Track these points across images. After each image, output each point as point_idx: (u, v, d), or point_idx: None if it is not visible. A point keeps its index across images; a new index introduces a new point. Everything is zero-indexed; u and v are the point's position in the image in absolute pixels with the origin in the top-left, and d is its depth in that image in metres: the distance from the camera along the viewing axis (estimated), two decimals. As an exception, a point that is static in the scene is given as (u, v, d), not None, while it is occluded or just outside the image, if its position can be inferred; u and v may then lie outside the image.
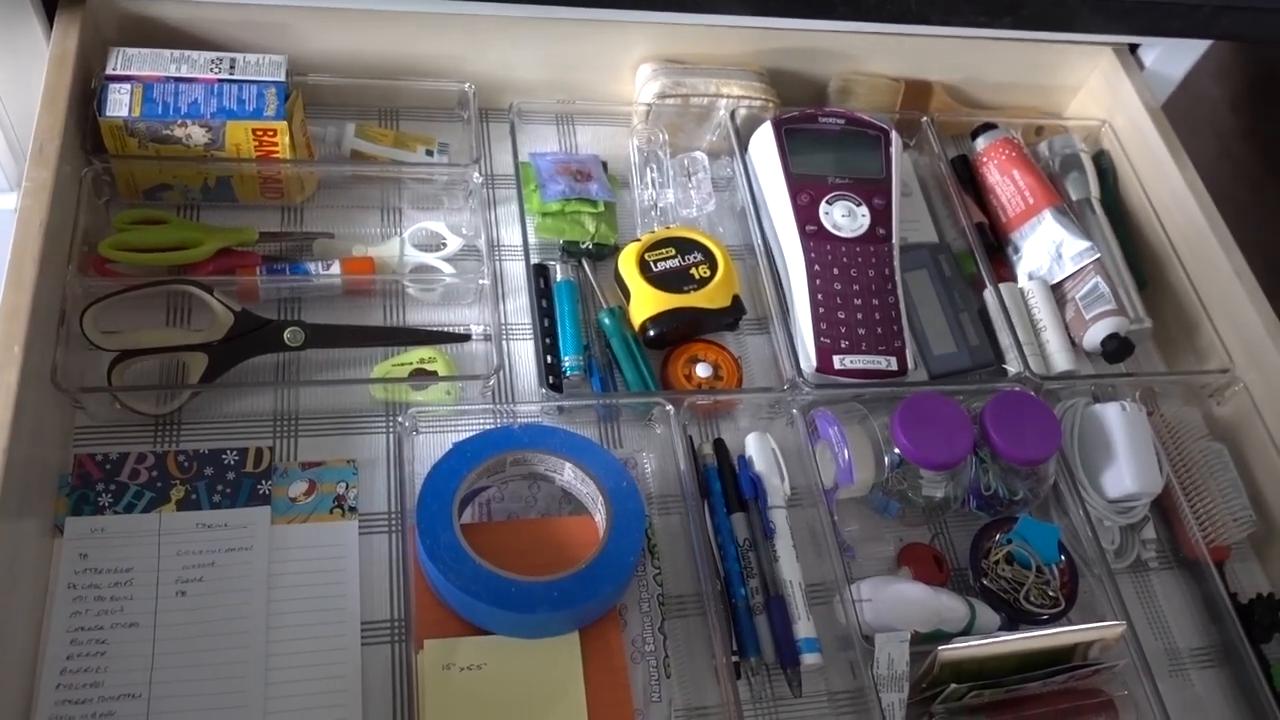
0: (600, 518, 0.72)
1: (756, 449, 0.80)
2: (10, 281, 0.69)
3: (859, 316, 0.84)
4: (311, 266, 0.81)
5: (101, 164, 0.79)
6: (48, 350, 0.70)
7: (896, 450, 0.77)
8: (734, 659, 0.72)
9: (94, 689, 0.64)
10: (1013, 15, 0.91)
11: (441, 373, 0.79)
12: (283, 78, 0.81)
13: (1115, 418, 0.82)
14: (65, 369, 0.70)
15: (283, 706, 0.66)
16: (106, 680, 0.65)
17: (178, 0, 0.82)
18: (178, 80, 0.79)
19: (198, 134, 0.79)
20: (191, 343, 0.75)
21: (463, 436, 0.73)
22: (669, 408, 0.78)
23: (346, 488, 0.74)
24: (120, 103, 0.78)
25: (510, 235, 0.89)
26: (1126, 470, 0.80)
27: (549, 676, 0.67)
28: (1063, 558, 0.79)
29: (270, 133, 0.80)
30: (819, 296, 0.84)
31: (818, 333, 0.83)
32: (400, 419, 0.75)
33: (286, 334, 0.77)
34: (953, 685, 0.68)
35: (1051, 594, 0.77)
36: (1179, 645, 0.81)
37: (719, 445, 0.80)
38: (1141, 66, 1.03)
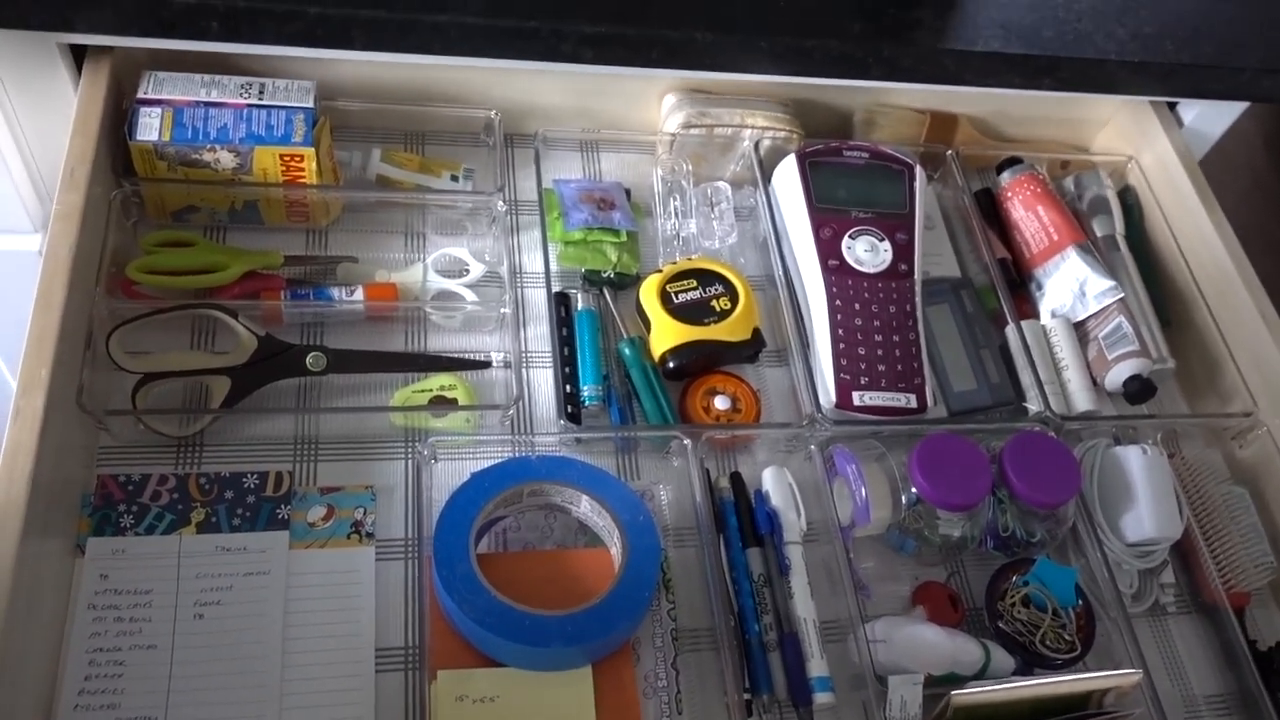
0: (616, 551, 0.72)
1: (773, 484, 0.80)
2: (39, 303, 0.70)
3: (879, 353, 0.84)
4: (335, 292, 0.82)
5: (131, 186, 0.80)
6: (74, 371, 0.71)
7: (914, 490, 0.77)
8: (746, 696, 0.71)
9: (111, 710, 0.65)
10: (1051, 77, 0.90)
11: (461, 400, 0.79)
12: (311, 104, 0.82)
13: (1136, 461, 0.81)
14: (91, 390, 0.71)
15: (296, 733, 0.66)
16: (124, 702, 0.65)
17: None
18: (208, 105, 0.80)
19: (226, 158, 0.80)
20: (215, 366, 0.76)
21: (481, 466, 0.74)
22: (686, 441, 0.78)
23: (364, 513, 0.75)
24: (151, 126, 0.79)
25: (532, 262, 0.89)
26: (1146, 514, 0.80)
27: (561, 711, 0.67)
28: (1080, 601, 0.78)
29: (297, 158, 0.81)
30: (839, 332, 0.84)
31: (837, 368, 0.83)
32: (419, 447, 0.75)
33: (309, 359, 0.78)
34: (966, 730, 0.68)
35: (1068, 638, 0.77)
36: (1195, 692, 0.80)
37: (736, 479, 0.80)
38: (1180, 124, 1.02)
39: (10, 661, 0.60)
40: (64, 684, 0.65)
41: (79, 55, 0.81)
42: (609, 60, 0.83)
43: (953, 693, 0.68)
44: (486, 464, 0.74)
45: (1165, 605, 0.83)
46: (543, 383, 0.83)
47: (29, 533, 0.63)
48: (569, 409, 0.80)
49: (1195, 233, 0.95)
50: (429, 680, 0.67)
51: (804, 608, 0.75)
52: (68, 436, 0.70)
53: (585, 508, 0.74)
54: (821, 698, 0.72)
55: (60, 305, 0.70)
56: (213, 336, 0.79)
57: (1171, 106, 1.03)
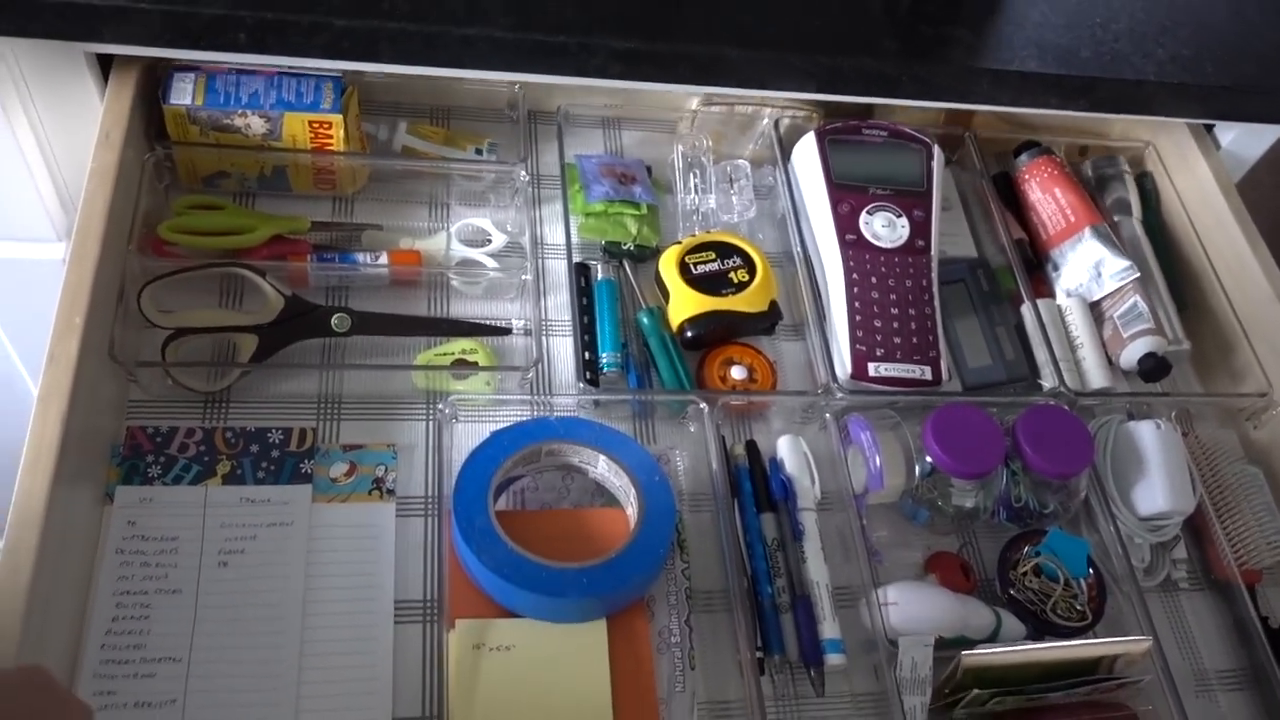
0: (632, 510, 0.73)
1: (788, 451, 0.81)
2: (74, 257, 0.72)
3: (895, 325, 0.85)
4: (360, 256, 0.84)
5: (164, 150, 0.82)
6: (106, 325, 0.73)
7: (928, 459, 0.78)
8: (758, 655, 0.72)
9: (136, 650, 0.66)
10: (1088, 98, 0.89)
11: (482, 364, 0.81)
12: (339, 73, 0.84)
13: (1149, 435, 0.82)
14: (122, 344, 0.73)
15: (317, 678, 0.67)
16: (149, 643, 0.67)
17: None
18: (239, 71, 0.82)
19: (257, 124, 0.82)
20: (243, 324, 0.78)
21: (500, 426, 0.75)
22: (703, 406, 0.79)
23: (385, 471, 0.76)
24: (184, 91, 0.81)
25: (554, 234, 0.91)
26: (1159, 488, 0.80)
27: (576, 661, 0.68)
28: (1091, 573, 0.79)
29: (326, 125, 0.82)
30: (856, 304, 0.85)
31: (854, 339, 0.84)
32: (440, 406, 0.77)
33: (334, 320, 0.79)
34: (975, 691, 0.69)
35: (1079, 608, 0.77)
36: (1206, 666, 0.81)
37: (751, 446, 0.81)
38: (1218, 146, 1.01)
39: (40, 602, 0.61)
40: (91, 625, 0.67)
41: (105, 64, 0.81)
42: (638, 76, 0.83)
43: (963, 654, 0.69)
44: (506, 425, 0.75)
45: (1177, 581, 0.83)
46: (562, 350, 0.85)
47: (60, 479, 0.64)
48: (587, 374, 0.81)
49: (1211, 215, 0.96)
50: (447, 629, 0.68)
51: (817, 572, 0.76)
52: (99, 387, 0.71)
53: (602, 468, 0.75)
54: (833, 659, 0.73)
55: (94, 260, 0.72)
56: (241, 296, 0.81)
57: (1209, 130, 1.01)
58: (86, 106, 0.81)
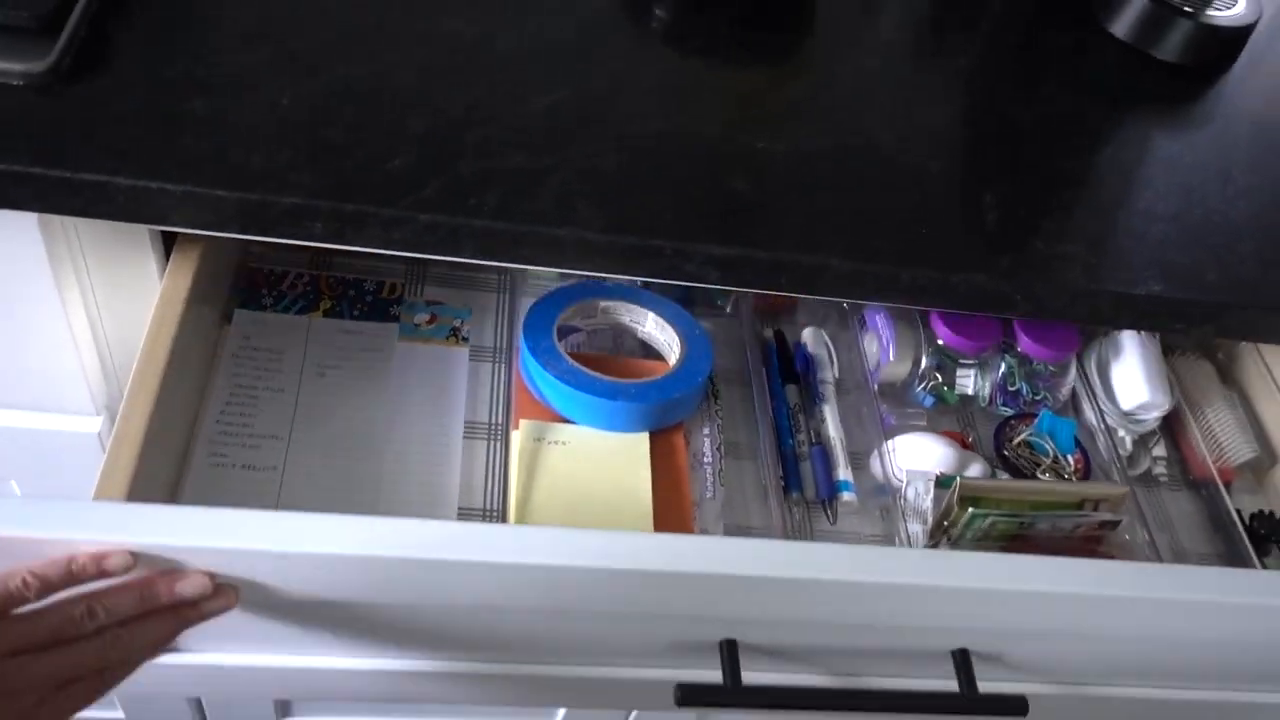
0: (674, 359, 0.85)
1: (811, 338, 0.92)
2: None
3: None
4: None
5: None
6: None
7: (939, 340, 0.88)
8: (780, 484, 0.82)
9: (245, 427, 0.77)
10: (1215, 324, 0.82)
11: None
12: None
13: (1131, 340, 0.93)
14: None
15: (395, 469, 0.78)
16: (255, 424, 0.78)
17: None
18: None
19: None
20: (350, 195, 0.91)
21: (564, 288, 0.87)
22: (740, 284, 0.91)
23: (462, 323, 0.88)
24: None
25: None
26: (1141, 381, 0.90)
27: (622, 461, 0.78)
28: (1078, 453, 0.88)
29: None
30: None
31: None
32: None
33: (425, 202, 0.92)
34: (971, 510, 0.78)
35: (1066, 477, 0.87)
36: (1186, 548, 0.89)
37: (778, 333, 0.93)
38: None
39: (170, 382, 0.72)
40: (209, 406, 0.78)
41: (168, 237, 0.78)
42: (736, 283, 0.78)
43: (960, 478, 0.78)
44: (569, 288, 0.88)
45: (1157, 475, 0.92)
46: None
47: (194, 298, 0.76)
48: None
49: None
50: (513, 429, 0.79)
51: (834, 430, 0.86)
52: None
53: (650, 325, 0.87)
54: (845, 496, 0.82)
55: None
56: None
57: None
58: (144, 280, 0.78)
